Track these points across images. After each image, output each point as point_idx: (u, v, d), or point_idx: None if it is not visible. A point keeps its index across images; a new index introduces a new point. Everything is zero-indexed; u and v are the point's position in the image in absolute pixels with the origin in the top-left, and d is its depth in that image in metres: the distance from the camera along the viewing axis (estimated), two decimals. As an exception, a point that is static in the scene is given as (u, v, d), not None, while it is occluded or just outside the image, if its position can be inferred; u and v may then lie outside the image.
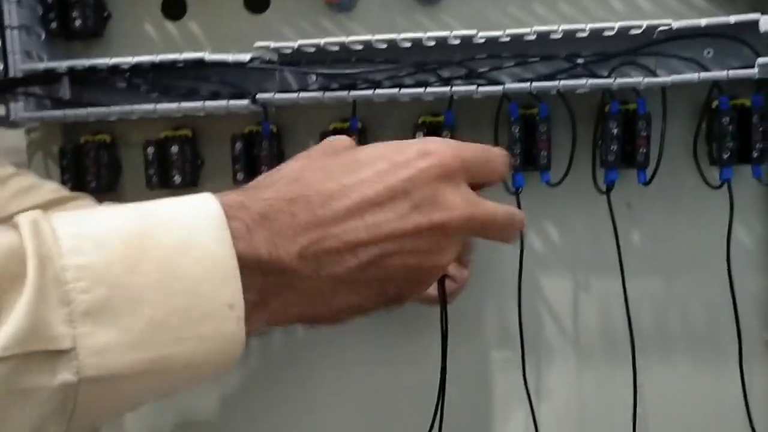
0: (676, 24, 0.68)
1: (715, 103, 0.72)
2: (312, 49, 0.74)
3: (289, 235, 0.38)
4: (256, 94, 0.73)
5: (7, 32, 0.74)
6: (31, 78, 0.75)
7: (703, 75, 0.68)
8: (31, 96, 0.76)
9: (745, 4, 0.73)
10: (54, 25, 0.78)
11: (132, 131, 0.82)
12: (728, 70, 0.69)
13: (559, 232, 0.79)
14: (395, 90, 0.71)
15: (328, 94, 0.72)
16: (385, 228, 0.40)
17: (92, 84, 0.76)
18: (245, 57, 0.72)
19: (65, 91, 0.76)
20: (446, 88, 0.71)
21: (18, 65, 0.74)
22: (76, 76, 0.76)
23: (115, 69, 0.75)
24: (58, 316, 0.32)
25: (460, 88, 0.71)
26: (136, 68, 0.75)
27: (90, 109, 0.74)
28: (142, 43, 0.81)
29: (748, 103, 0.72)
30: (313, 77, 0.75)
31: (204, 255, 0.35)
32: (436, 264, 0.43)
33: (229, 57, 0.72)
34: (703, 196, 0.74)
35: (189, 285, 0.35)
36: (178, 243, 0.35)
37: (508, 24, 0.77)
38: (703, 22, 0.67)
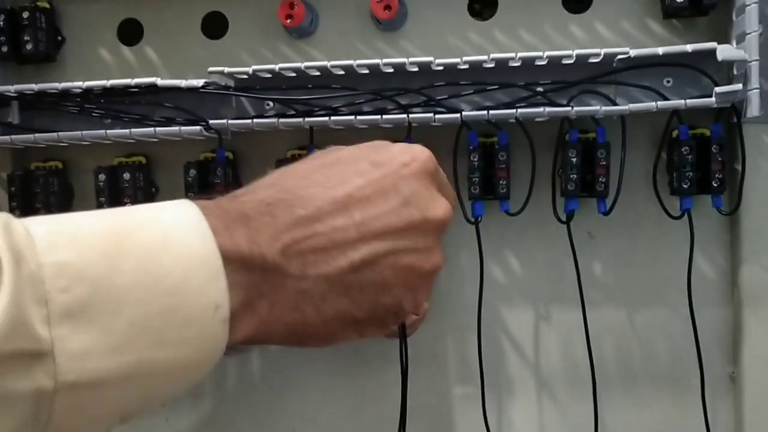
0: (633, 52, 0.67)
1: (675, 133, 0.72)
2: (268, 75, 0.73)
3: (270, 234, 0.36)
4: (210, 120, 0.72)
5: (-45, 56, 0.72)
6: (-22, 102, 0.73)
7: (661, 104, 0.67)
8: (-21, 120, 0.74)
9: (703, 32, 0.73)
10: (5, 48, 0.76)
11: (86, 157, 0.80)
12: (686, 99, 0.69)
13: (519, 263, 0.78)
14: (351, 117, 0.70)
15: (284, 120, 0.70)
16: (375, 225, 0.38)
17: (43, 109, 0.75)
18: (198, 82, 0.71)
19: (14, 115, 0.74)
20: (403, 115, 0.70)
21: (-35, 89, 0.73)
22: (25, 100, 0.74)
23: (66, 93, 0.73)
24: (36, 316, 0.29)
25: (417, 116, 0.70)
26: (87, 93, 0.73)
27: (38, 135, 0.72)
28: (96, 68, 0.80)
29: (708, 132, 0.71)
30: (270, 103, 0.74)
31: (186, 252, 0.33)
32: (431, 264, 0.41)
33: (182, 82, 0.71)
34: (664, 226, 0.73)
35: (172, 284, 0.32)
36: (158, 239, 0.33)
37: (468, 51, 0.76)
38: (661, 50, 0.67)
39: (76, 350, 0.30)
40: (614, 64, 0.71)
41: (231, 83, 0.75)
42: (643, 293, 0.76)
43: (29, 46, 0.76)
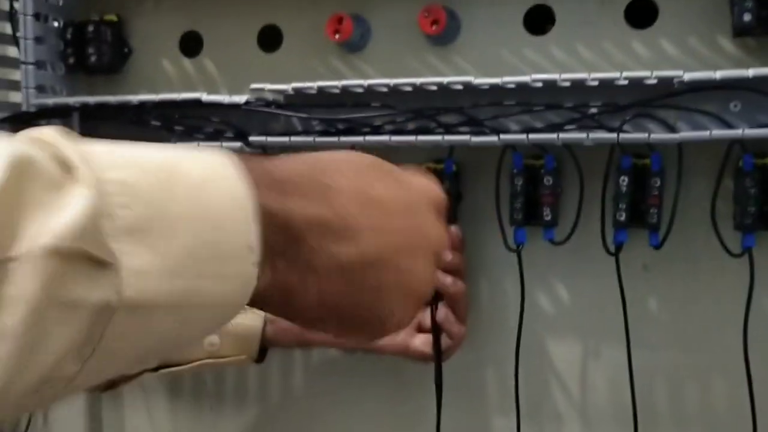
0: (687, 76, 0.62)
1: (740, 162, 0.66)
2: (312, 91, 0.72)
3: (298, 204, 0.37)
4: (254, 135, 0.72)
5: (22, 68, 0.76)
6: (42, 112, 0.76)
7: (716, 133, 0.62)
8: (46, 129, 0.78)
9: (781, 54, 0.66)
10: (72, 60, 0.79)
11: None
12: (755, 126, 0.63)
13: (567, 293, 0.74)
14: (386, 137, 0.68)
15: (320, 138, 0.70)
16: (391, 234, 0.40)
17: (104, 119, 0.78)
18: (241, 99, 0.71)
19: (75, 125, 0.77)
20: (439, 137, 0.68)
21: (31, 100, 0.76)
22: (87, 111, 0.77)
23: (123, 106, 0.75)
24: (104, 226, 0.29)
25: (453, 137, 0.67)
26: (142, 106, 0.75)
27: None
28: (159, 79, 0.82)
29: (776, 162, 0.65)
30: (316, 120, 0.74)
31: (228, 192, 0.34)
32: (425, 289, 0.43)
33: (225, 98, 0.72)
34: (725, 262, 0.67)
35: (216, 220, 0.33)
36: (205, 175, 0.34)
37: (523, 67, 0.73)
38: (718, 74, 0.61)
39: (138, 267, 0.30)
40: (675, 86, 0.65)
41: (280, 98, 0.75)
42: (700, 333, 0.70)
43: (93, 59, 0.79)
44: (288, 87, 0.70)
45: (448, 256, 0.47)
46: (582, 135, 0.64)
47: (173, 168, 0.33)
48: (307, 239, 0.37)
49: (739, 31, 0.66)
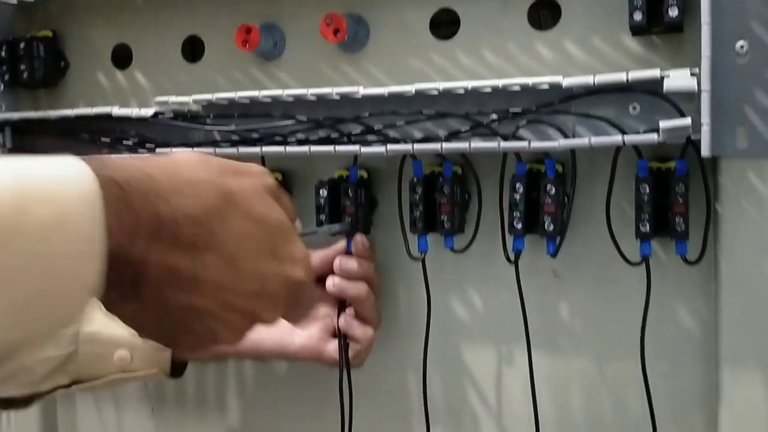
0: (566, 81, 0.60)
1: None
2: (224, 102, 0.73)
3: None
4: (164, 147, 0.73)
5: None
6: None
7: (595, 140, 0.60)
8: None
9: (686, 49, 0.63)
10: (7, 77, 0.82)
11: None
12: (651, 128, 0.61)
13: (479, 300, 0.73)
14: (305, 148, 0.68)
15: (220, 150, 0.71)
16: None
17: (34, 133, 0.80)
18: (148, 112, 0.73)
19: (7, 140, 0.80)
20: (354, 147, 0.67)
21: (-33, 116, 0.80)
22: (17, 126, 0.80)
23: (46, 120, 0.78)
24: None
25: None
26: (66, 119, 0.77)
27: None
28: (96, 92, 0.84)
29: (673, 165, 0.62)
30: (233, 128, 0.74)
31: (76, 235, 0.34)
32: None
33: (133, 112, 0.73)
34: (627, 270, 0.65)
35: (56, 267, 0.34)
36: (53, 217, 0.33)
37: (430, 72, 0.72)
38: (596, 78, 0.59)
39: None
40: (572, 89, 0.63)
41: (198, 109, 0.76)
42: (608, 342, 0.68)
43: (25, 75, 0.81)
44: (189, 99, 0.71)
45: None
46: (463, 145, 0.63)
47: (19, 213, 0.32)
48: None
49: (636, 31, 0.63)
